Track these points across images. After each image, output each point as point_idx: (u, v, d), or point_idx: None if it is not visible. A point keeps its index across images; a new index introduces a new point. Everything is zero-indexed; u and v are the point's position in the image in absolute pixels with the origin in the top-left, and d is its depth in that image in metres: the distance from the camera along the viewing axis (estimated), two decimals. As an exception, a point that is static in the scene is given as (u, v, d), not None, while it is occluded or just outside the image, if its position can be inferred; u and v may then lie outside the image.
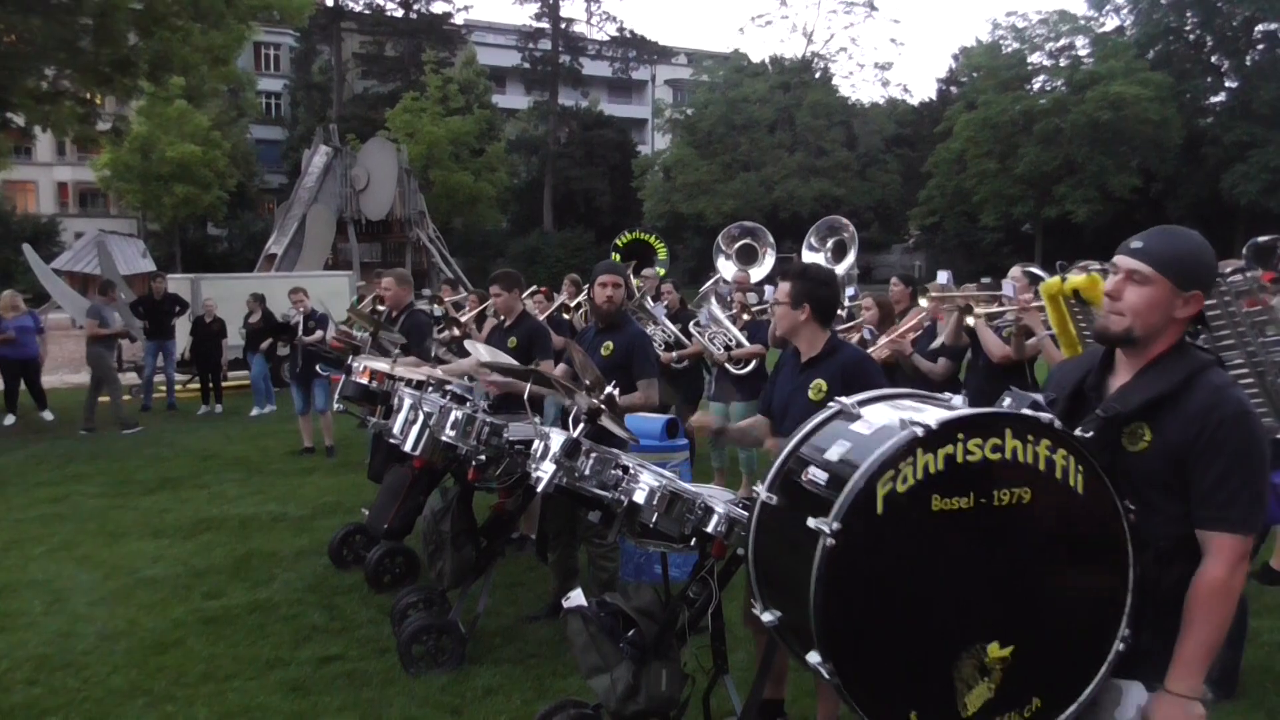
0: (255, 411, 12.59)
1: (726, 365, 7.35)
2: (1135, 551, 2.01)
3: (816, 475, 2.07)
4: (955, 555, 1.90)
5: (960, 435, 1.90)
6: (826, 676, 1.89)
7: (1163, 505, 2.03)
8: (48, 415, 12.04)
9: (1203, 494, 1.99)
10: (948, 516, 1.89)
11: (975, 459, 1.90)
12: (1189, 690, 1.99)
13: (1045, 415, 1.98)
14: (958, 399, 2.16)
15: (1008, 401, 2.04)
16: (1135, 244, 2.12)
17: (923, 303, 5.99)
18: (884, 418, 2.10)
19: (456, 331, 7.46)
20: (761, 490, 2.25)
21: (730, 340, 7.43)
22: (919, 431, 1.88)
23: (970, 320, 5.37)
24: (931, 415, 1.94)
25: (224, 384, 13.31)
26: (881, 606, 1.90)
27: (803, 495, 2.09)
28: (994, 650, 1.92)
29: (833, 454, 2.09)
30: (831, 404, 2.28)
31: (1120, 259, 2.13)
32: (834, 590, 1.86)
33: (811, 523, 1.90)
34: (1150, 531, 2.03)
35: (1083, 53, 40.68)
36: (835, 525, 1.85)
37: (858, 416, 2.18)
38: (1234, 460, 1.98)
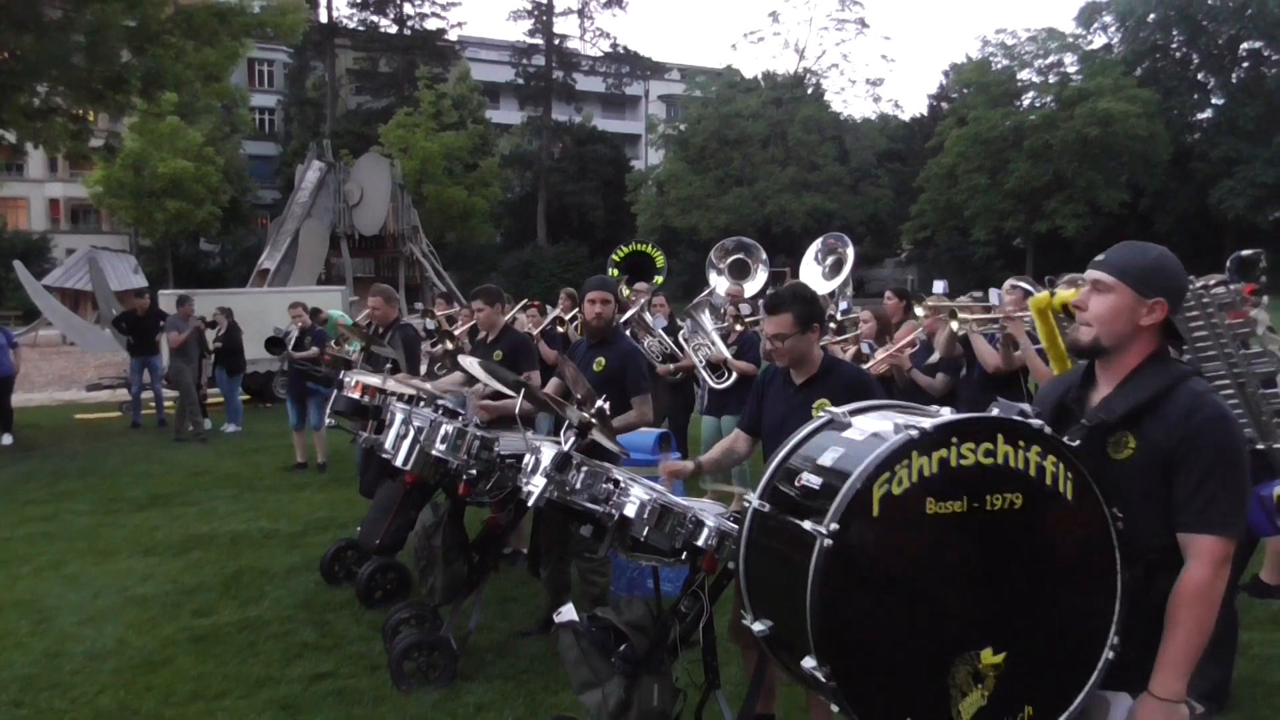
0: (230, 428, 12.54)
1: (708, 379, 7.38)
2: (1123, 560, 2.02)
3: (810, 480, 2.09)
4: (949, 559, 1.93)
5: (954, 439, 1.92)
6: (823, 680, 1.87)
7: (1149, 515, 2.05)
8: (6, 439, 11.76)
9: (1184, 497, 2.02)
10: (942, 520, 1.91)
11: (969, 463, 1.93)
12: (1172, 694, 1.99)
13: (1035, 421, 2.01)
14: (946, 410, 2.14)
15: (996, 410, 2.06)
16: (1099, 257, 2.21)
17: (920, 312, 6.01)
18: (877, 425, 2.13)
19: (450, 345, 7.44)
20: (753, 499, 2.24)
21: (713, 353, 7.46)
22: (914, 434, 1.91)
23: (954, 326, 5.40)
24: (926, 420, 1.97)
25: (207, 400, 13.28)
26: (877, 609, 1.91)
27: (796, 501, 2.11)
28: (987, 657, 1.93)
29: (825, 459, 2.11)
30: (821, 414, 2.30)
31: (1088, 273, 2.21)
32: (831, 592, 1.86)
33: (808, 525, 1.92)
34: (1138, 542, 2.04)
35: (1071, 70, 41.07)
36: (833, 526, 1.86)
37: (848, 425, 2.20)
38: (1214, 463, 2.01)
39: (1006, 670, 1.94)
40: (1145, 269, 2.14)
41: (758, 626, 2.13)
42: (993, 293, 5.50)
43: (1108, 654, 2.02)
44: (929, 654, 1.92)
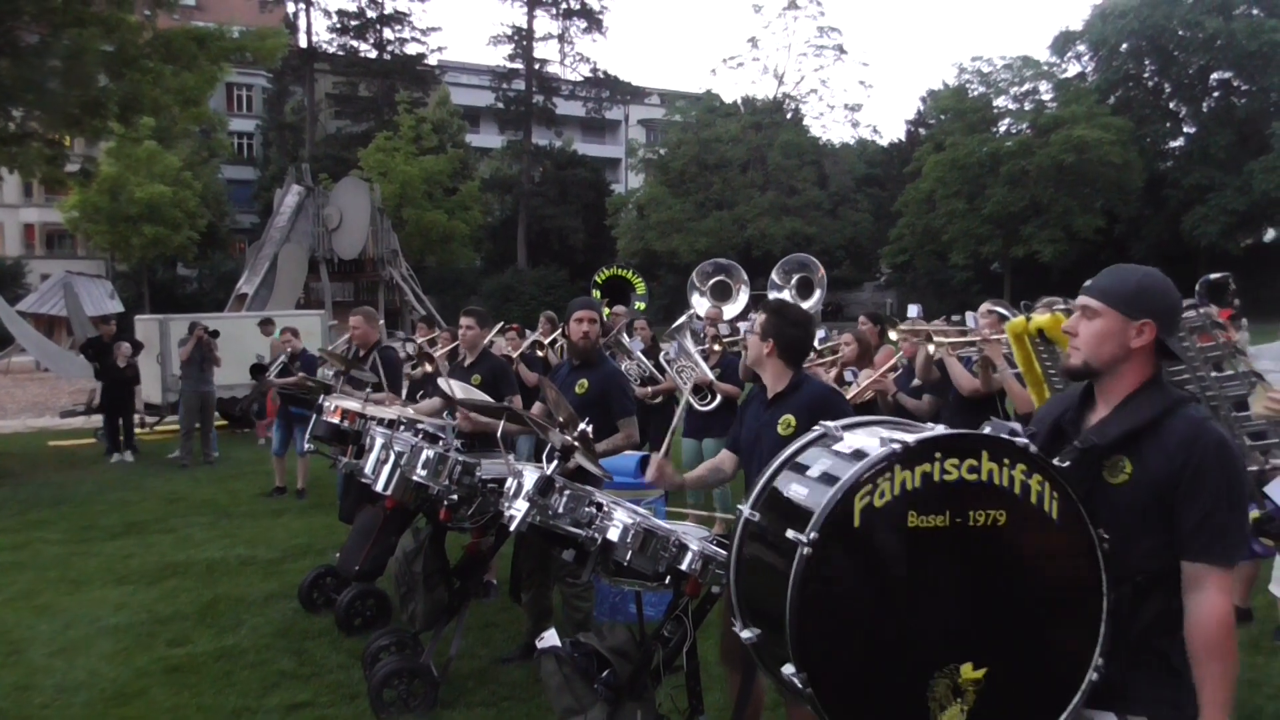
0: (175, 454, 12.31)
1: (692, 401, 7.38)
2: (1109, 582, 2.02)
3: (796, 492, 2.17)
4: (930, 573, 1.95)
5: (938, 454, 1.95)
6: (800, 687, 1.90)
7: (1142, 538, 2.05)
8: None
9: (1191, 527, 2.01)
10: (924, 534, 1.94)
11: (952, 478, 1.95)
12: None
13: (1021, 439, 2.02)
14: (940, 427, 2.19)
15: (988, 429, 2.08)
16: (1088, 283, 2.23)
17: (893, 336, 6.05)
18: (865, 440, 2.18)
19: (429, 368, 7.41)
20: (746, 509, 2.29)
21: (698, 375, 7.47)
22: (897, 448, 1.94)
23: (930, 349, 5.43)
24: (910, 435, 2.01)
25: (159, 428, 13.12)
26: (856, 619, 1.94)
27: (784, 510, 2.16)
28: (967, 671, 1.94)
29: (813, 472, 2.18)
30: (816, 427, 2.35)
31: (1079, 299, 2.23)
32: (810, 600, 1.91)
33: (790, 534, 1.96)
34: (1128, 564, 2.04)
35: (1046, 97, 41.67)
36: (812, 535, 1.91)
37: (839, 439, 2.25)
38: (1219, 493, 2.00)
39: (987, 686, 1.95)
40: (1130, 292, 2.15)
41: (746, 634, 2.16)
42: (969, 316, 5.55)
43: (1091, 675, 2.01)
44: (908, 666, 1.94)
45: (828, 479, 2.06)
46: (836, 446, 2.22)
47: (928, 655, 1.94)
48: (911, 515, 1.93)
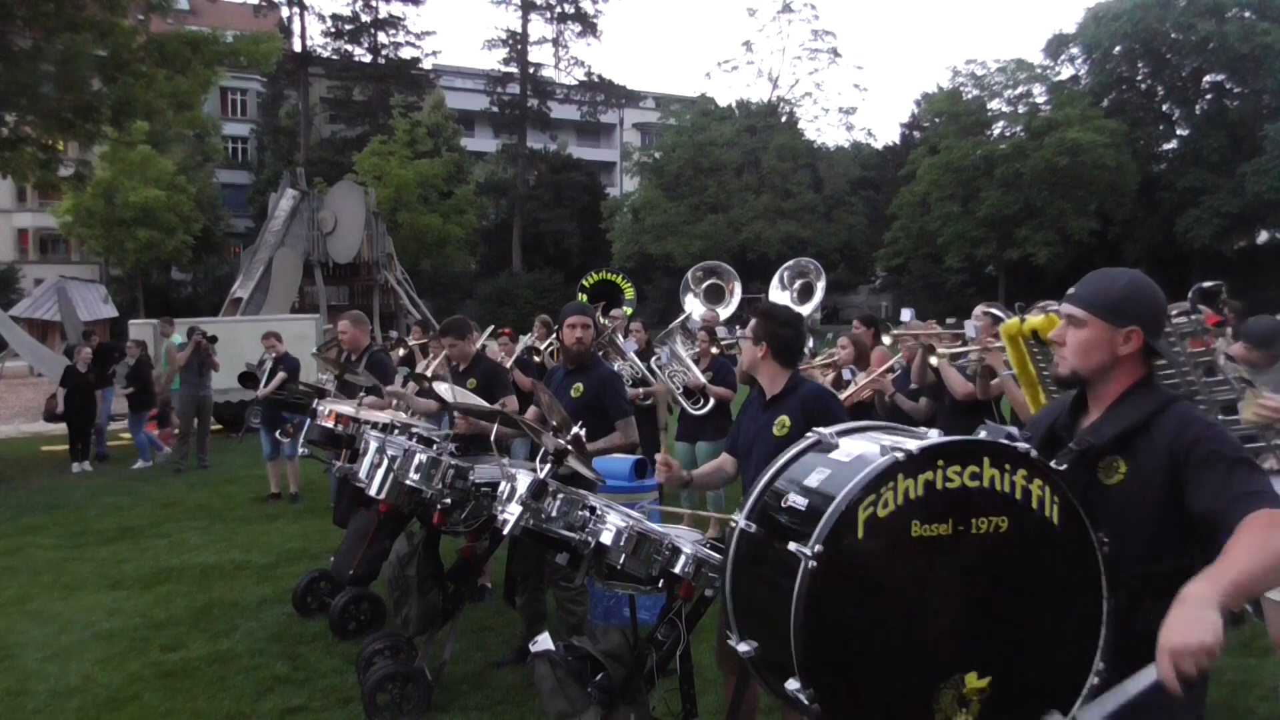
0: (138, 465, 12.25)
1: (684, 405, 7.39)
2: (1109, 586, 2.02)
3: (796, 502, 2.12)
4: (935, 583, 1.93)
5: (940, 462, 1.93)
6: (805, 703, 1.88)
7: (1137, 541, 2.04)
8: None
9: (1213, 497, 1.93)
10: (927, 543, 1.91)
11: (954, 486, 1.94)
12: (1208, 595, 1.70)
13: (1022, 445, 2.02)
14: (934, 432, 2.17)
15: (984, 434, 2.08)
16: (1071, 290, 2.22)
17: (886, 340, 6.07)
18: (863, 447, 2.15)
19: (427, 385, 7.38)
20: (740, 519, 2.25)
21: (689, 379, 7.47)
22: (900, 456, 1.92)
23: (934, 360, 5.45)
24: (912, 442, 1.98)
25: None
26: (861, 632, 1.91)
27: (782, 522, 2.13)
28: (972, 681, 1.93)
29: (812, 481, 2.14)
30: (809, 435, 2.32)
31: (1063, 306, 2.23)
32: (815, 613, 1.88)
33: (793, 546, 1.93)
34: (1123, 568, 2.03)
35: (1040, 100, 41.78)
36: (817, 548, 1.88)
37: (835, 446, 2.23)
38: (1230, 460, 1.96)
39: (991, 695, 1.94)
40: (1115, 299, 2.14)
41: (743, 647, 2.14)
42: (969, 326, 5.58)
43: (1093, 679, 2.01)
44: (913, 678, 1.92)
45: (829, 488, 2.03)
46: (834, 455, 2.19)
47: (933, 666, 1.92)
48: (915, 525, 1.91)
